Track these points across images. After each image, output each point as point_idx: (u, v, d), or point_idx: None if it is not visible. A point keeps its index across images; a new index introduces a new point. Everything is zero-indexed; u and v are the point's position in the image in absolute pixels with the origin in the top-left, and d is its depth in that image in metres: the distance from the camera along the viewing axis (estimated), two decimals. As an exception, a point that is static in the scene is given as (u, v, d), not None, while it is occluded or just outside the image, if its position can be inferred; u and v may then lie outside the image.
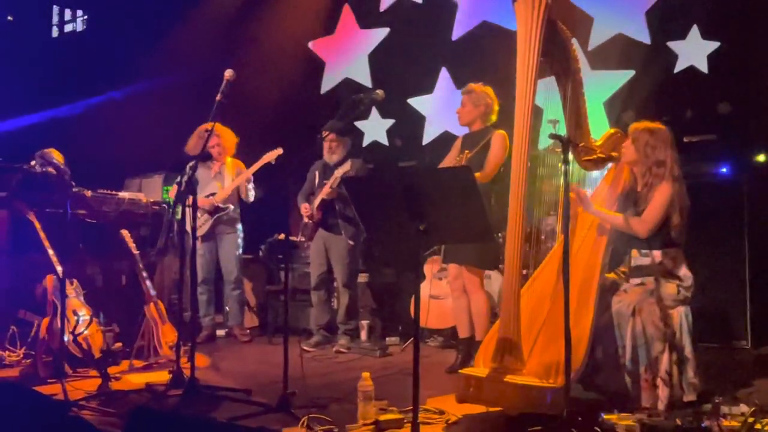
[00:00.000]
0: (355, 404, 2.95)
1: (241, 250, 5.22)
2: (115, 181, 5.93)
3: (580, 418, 2.65)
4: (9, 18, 7.64)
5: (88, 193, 4.88)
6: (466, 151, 3.95)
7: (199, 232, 5.11)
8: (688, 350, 3.06)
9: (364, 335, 5.03)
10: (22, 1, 7.61)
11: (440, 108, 5.71)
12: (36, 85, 7.04)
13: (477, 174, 3.86)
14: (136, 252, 4.48)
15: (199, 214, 5.09)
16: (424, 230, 2.51)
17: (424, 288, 4.94)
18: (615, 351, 3.10)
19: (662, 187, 3.12)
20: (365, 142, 6.11)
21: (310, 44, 6.39)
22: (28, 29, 7.66)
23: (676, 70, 4.85)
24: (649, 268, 3.19)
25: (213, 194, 5.08)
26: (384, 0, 6.03)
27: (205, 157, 5.12)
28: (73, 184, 4.16)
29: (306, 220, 4.84)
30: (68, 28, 7.94)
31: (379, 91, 3.68)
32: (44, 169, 4.28)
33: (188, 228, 4.10)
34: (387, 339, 5.04)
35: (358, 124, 6.10)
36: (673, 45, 4.86)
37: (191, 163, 3.94)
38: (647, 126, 3.22)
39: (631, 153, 3.21)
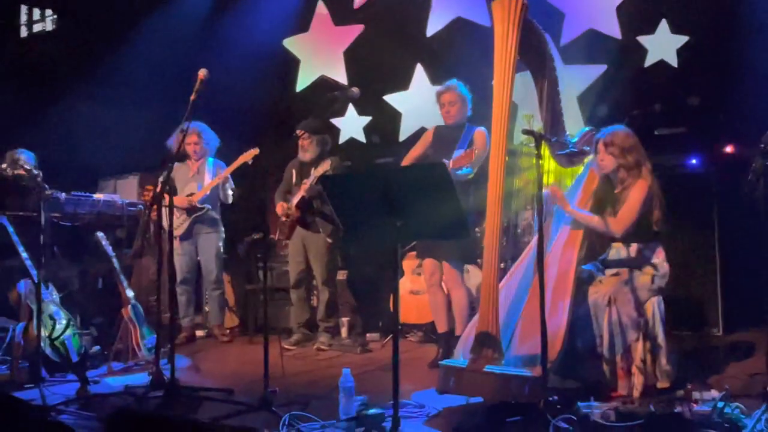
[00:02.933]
0: (337, 401, 2.97)
1: (222, 250, 5.19)
2: (89, 182, 5.85)
3: (558, 407, 2.70)
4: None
5: (62, 196, 4.83)
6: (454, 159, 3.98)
7: (177, 232, 5.07)
8: (660, 338, 3.14)
9: (344, 332, 5.05)
10: (-11, 1, 7.47)
11: (416, 104, 5.73)
12: (6, 86, 6.91)
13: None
14: (112, 254, 4.44)
15: (177, 214, 5.06)
16: (402, 227, 2.54)
17: (404, 284, 4.98)
18: (593, 341, 3.16)
19: (639, 184, 3.20)
20: (342, 140, 6.11)
21: (285, 42, 6.37)
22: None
23: (646, 64, 4.93)
24: (626, 259, 3.26)
25: (192, 194, 5.05)
26: (358, -3, 6.03)
27: (182, 156, 5.09)
28: (46, 186, 4.10)
29: (282, 218, 4.84)
30: (37, 27, 7.79)
31: (355, 89, 3.69)
32: (15, 172, 4.21)
33: (165, 227, 4.07)
34: (367, 335, 5.07)
35: (335, 121, 6.10)
36: (643, 39, 4.95)
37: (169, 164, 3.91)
38: (614, 131, 3.28)
39: (610, 162, 3.28)
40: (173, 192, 5.06)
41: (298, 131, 4.40)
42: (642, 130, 3.38)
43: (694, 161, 4.74)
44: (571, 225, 3.34)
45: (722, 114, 4.74)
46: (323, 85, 6.06)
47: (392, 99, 5.94)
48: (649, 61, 4.92)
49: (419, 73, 5.82)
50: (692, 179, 4.67)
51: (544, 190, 3.24)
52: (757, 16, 4.46)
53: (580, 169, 3.53)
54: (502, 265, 3.62)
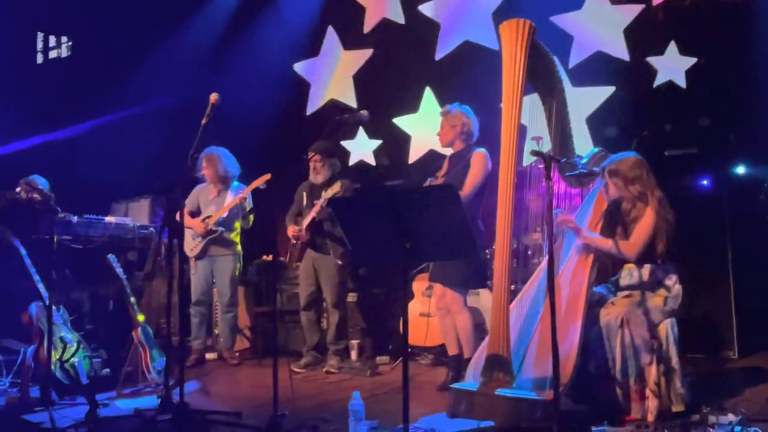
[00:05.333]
0: (346, 425, 2.94)
1: (237, 273, 5.20)
2: (102, 205, 5.90)
3: (571, 430, 2.66)
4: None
5: (74, 219, 4.87)
6: (438, 175, 4.00)
7: (192, 253, 5.11)
8: (675, 361, 3.09)
9: (354, 355, 5.02)
10: (6, 29, 7.62)
11: (425, 127, 5.77)
12: (21, 112, 7.03)
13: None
14: (123, 276, 4.46)
15: (192, 236, 5.10)
16: (411, 248, 2.53)
17: (414, 306, 4.95)
18: (605, 363, 3.12)
19: (646, 216, 3.18)
20: (352, 162, 6.15)
21: (295, 66, 6.44)
22: (12, 56, 7.66)
23: (655, 85, 4.94)
24: (638, 283, 3.23)
25: (209, 217, 5.09)
26: (368, 21, 6.11)
27: (196, 181, 5.14)
28: (59, 209, 4.14)
29: (293, 241, 4.85)
30: (53, 54, 7.95)
31: (364, 111, 3.72)
32: (29, 196, 4.27)
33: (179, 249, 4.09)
34: (377, 358, 5.03)
35: (345, 143, 6.14)
36: (652, 61, 4.96)
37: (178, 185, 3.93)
38: (620, 160, 3.26)
39: (614, 191, 3.28)
40: (196, 213, 5.14)
41: (309, 153, 4.43)
42: (652, 151, 3.38)
43: (705, 182, 4.72)
44: (582, 246, 3.32)
45: (733, 134, 4.73)
46: (333, 108, 6.11)
47: (401, 122, 5.98)
48: (658, 82, 4.93)
49: (428, 96, 5.86)
50: (704, 200, 4.64)
51: (555, 215, 3.24)
52: (767, 36, 4.46)
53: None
54: (512, 287, 3.60)
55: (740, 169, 4.72)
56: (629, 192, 3.22)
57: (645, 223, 3.17)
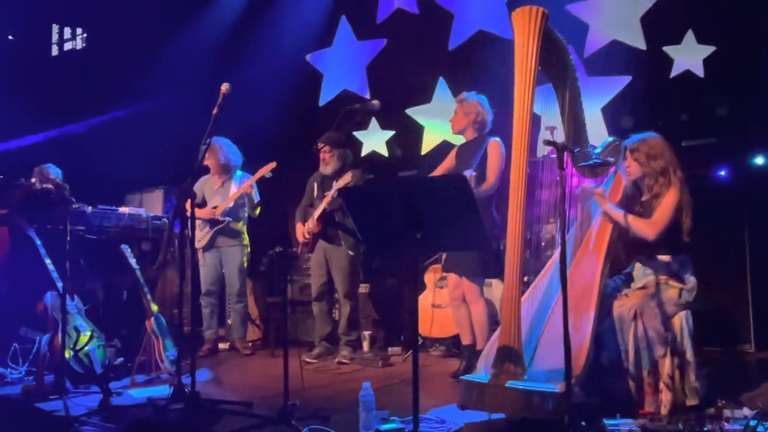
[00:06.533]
0: (357, 415, 2.94)
1: (245, 263, 5.21)
2: (116, 196, 5.95)
3: (583, 423, 2.63)
4: (10, 37, 7.70)
5: (89, 209, 4.90)
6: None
7: (200, 244, 5.13)
8: (689, 354, 3.05)
9: (365, 346, 5.02)
10: (22, 21, 7.68)
11: (438, 118, 5.73)
12: (37, 104, 7.09)
13: (482, 185, 3.89)
14: (136, 267, 4.49)
15: (201, 226, 5.12)
16: (422, 239, 2.51)
17: (426, 297, 4.94)
18: (618, 356, 3.09)
19: (669, 194, 3.13)
20: (364, 153, 6.13)
21: (308, 57, 6.43)
22: (28, 48, 7.73)
23: (672, 75, 4.86)
24: (655, 267, 3.18)
25: (215, 207, 5.10)
26: (380, 11, 6.07)
27: (207, 170, 5.15)
28: (73, 200, 4.17)
29: (301, 239, 4.86)
30: (68, 46, 8.00)
31: (375, 101, 3.72)
32: (44, 186, 4.30)
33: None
34: (389, 349, 5.02)
35: (358, 134, 6.13)
36: (668, 50, 4.88)
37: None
38: (643, 138, 3.23)
39: (635, 169, 3.23)
40: (202, 204, 5.16)
41: (318, 144, 4.42)
42: (669, 141, 3.31)
43: (722, 173, 4.64)
44: (595, 237, 3.28)
45: (752, 124, 4.64)
46: (346, 99, 6.10)
47: (414, 112, 5.95)
48: (675, 71, 4.85)
49: (441, 86, 5.82)
50: (721, 191, 4.57)
51: (577, 188, 3.20)
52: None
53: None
54: (525, 278, 3.57)
55: (759, 160, 4.64)
56: (651, 168, 3.17)
57: (668, 201, 3.12)
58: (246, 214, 5.22)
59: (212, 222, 5.09)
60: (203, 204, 5.19)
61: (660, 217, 3.12)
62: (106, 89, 6.82)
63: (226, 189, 5.17)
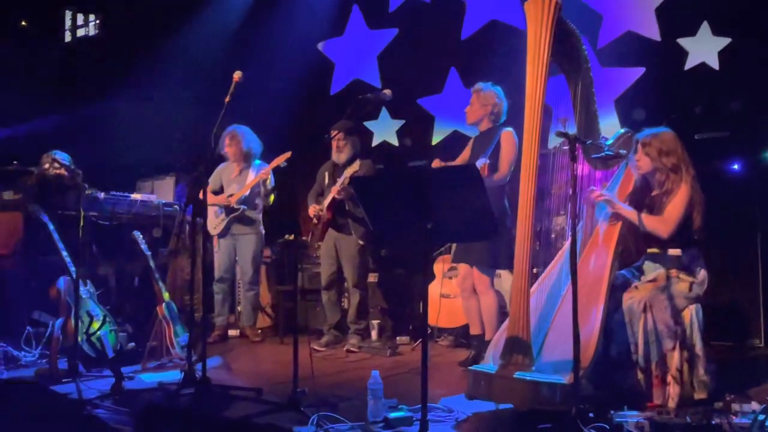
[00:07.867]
0: (365, 403, 2.96)
1: (260, 252, 5.24)
2: (128, 183, 5.99)
3: (591, 415, 2.64)
4: (23, 23, 7.74)
5: (101, 195, 4.94)
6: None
7: (215, 231, 5.16)
8: (698, 348, 3.05)
9: (374, 335, 5.05)
10: (35, 7, 7.70)
11: (449, 108, 5.71)
12: (50, 90, 7.13)
13: (495, 175, 3.88)
14: (148, 253, 4.52)
15: (216, 213, 5.15)
16: (432, 229, 2.52)
17: (435, 287, 4.95)
18: (627, 348, 3.09)
19: (681, 191, 3.12)
20: (375, 142, 6.13)
21: (320, 46, 6.42)
22: (40, 34, 7.76)
23: (686, 67, 4.82)
24: (665, 261, 3.17)
25: (231, 195, 5.13)
26: (393, 0, 6.05)
27: (219, 159, 5.18)
28: (86, 186, 4.21)
29: (314, 221, 4.87)
30: (81, 32, 8.02)
31: (387, 91, 3.70)
32: (57, 172, 4.33)
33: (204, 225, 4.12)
34: (397, 338, 5.05)
35: (368, 124, 6.12)
36: (683, 42, 4.83)
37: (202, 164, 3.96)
38: (655, 133, 3.21)
39: (646, 163, 3.21)
40: (219, 192, 5.19)
41: (332, 132, 4.42)
42: (681, 134, 3.29)
43: (735, 167, 4.61)
44: (605, 229, 3.27)
45: (765, 118, 4.59)
46: (358, 88, 6.09)
47: (426, 102, 5.93)
48: (689, 63, 4.80)
49: (453, 76, 5.80)
50: (734, 185, 4.54)
51: (589, 191, 3.20)
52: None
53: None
54: (535, 270, 3.57)
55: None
56: (663, 164, 3.15)
57: (680, 198, 3.11)
58: (262, 203, 5.24)
59: (228, 209, 5.12)
60: (221, 191, 5.22)
61: (672, 215, 3.11)
62: (118, 75, 6.84)
63: (243, 177, 5.19)
